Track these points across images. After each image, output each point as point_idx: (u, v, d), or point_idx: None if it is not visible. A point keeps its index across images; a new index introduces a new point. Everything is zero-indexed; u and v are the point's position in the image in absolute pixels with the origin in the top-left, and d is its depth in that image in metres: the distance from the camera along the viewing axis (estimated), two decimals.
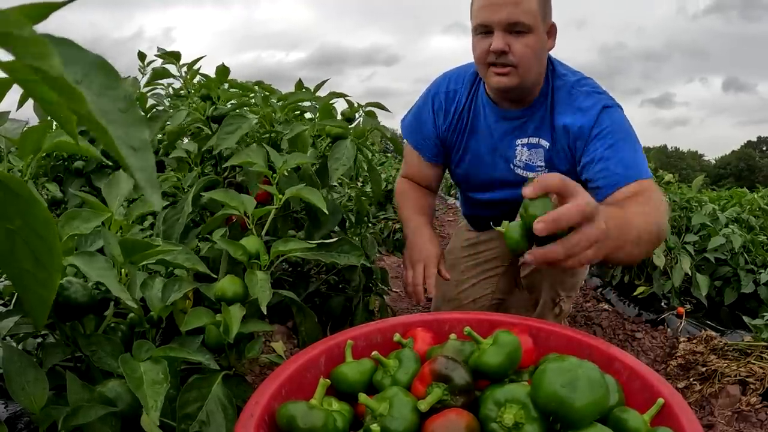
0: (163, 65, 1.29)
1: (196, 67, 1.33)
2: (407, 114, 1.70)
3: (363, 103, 1.36)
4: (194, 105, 1.24)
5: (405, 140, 1.71)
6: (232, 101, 1.28)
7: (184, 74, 1.31)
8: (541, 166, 1.52)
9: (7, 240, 0.38)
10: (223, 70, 1.29)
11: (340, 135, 1.20)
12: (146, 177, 0.31)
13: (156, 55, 1.31)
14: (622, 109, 1.41)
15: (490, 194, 1.66)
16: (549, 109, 1.45)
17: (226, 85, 1.31)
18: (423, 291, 1.39)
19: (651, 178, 1.30)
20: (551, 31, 1.40)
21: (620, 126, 1.35)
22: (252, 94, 1.29)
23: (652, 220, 1.06)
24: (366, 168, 1.32)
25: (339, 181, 1.52)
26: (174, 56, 1.28)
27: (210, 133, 1.23)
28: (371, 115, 1.32)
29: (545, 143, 1.49)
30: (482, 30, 1.35)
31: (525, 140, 1.51)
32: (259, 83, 1.36)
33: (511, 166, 1.55)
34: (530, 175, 1.54)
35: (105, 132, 0.29)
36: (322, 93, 1.32)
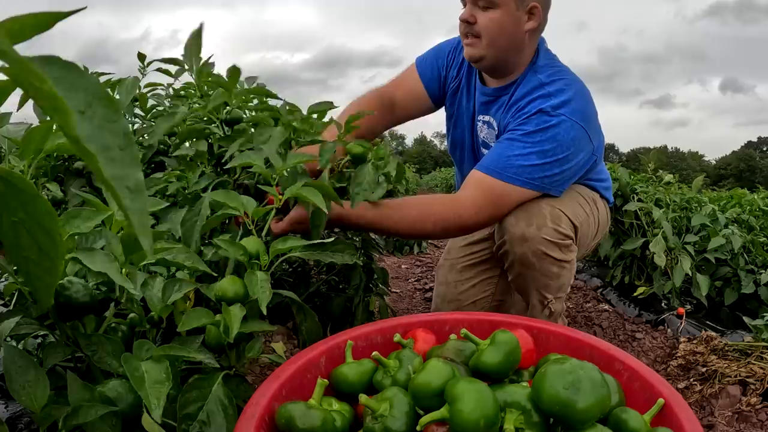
0: (176, 68, 1.28)
1: (206, 68, 1.32)
2: (428, 50, 1.76)
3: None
4: (201, 105, 1.24)
5: (414, 66, 1.72)
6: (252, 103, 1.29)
7: (194, 75, 1.30)
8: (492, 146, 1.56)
9: (13, 231, 0.40)
10: (234, 72, 1.28)
11: (361, 155, 1.22)
12: (140, 221, 0.31)
13: (158, 60, 1.30)
14: (570, 120, 1.39)
15: (469, 168, 1.71)
16: (510, 97, 1.51)
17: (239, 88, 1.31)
18: None
19: (506, 182, 1.38)
20: (533, 12, 1.43)
21: (537, 132, 1.38)
22: (269, 101, 1.30)
23: (405, 216, 1.33)
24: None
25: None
26: (175, 62, 1.28)
27: (222, 135, 1.23)
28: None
29: (495, 126, 1.57)
30: (462, 3, 1.47)
31: (486, 118, 1.59)
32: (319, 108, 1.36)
33: (476, 139, 1.65)
34: (484, 151, 1.61)
35: (95, 162, 0.29)
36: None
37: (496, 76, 1.55)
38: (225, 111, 1.25)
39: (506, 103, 1.51)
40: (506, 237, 1.43)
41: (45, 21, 0.29)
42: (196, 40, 1.16)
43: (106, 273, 0.66)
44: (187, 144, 1.31)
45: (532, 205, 1.42)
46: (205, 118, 1.25)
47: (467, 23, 1.43)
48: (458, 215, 1.36)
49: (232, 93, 1.22)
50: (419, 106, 1.70)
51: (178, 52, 1.33)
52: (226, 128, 1.26)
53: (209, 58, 1.31)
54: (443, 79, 1.68)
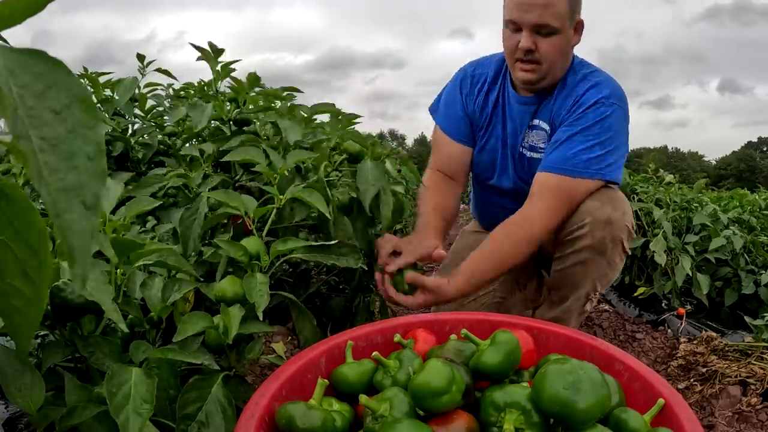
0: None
1: (229, 68, 1.31)
2: (436, 100, 1.76)
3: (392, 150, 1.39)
4: (218, 103, 1.24)
5: (435, 125, 1.73)
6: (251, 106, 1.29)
7: (218, 70, 1.29)
8: (542, 148, 1.58)
9: None
10: (254, 78, 1.28)
11: (358, 153, 1.22)
12: (80, 244, 0.26)
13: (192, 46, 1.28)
14: (620, 107, 1.46)
15: (505, 181, 1.71)
16: (555, 97, 1.53)
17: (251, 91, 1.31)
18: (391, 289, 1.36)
19: (577, 178, 1.42)
20: (578, 27, 1.46)
21: (595, 124, 1.43)
22: (276, 101, 1.29)
23: (502, 254, 1.41)
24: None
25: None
26: (214, 52, 1.26)
27: (229, 134, 1.23)
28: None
29: (546, 127, 1.56)
30: (513, 27, 1.43)
31: (534, 122, 1.59)
32: (290, 88, 1.36)
33: (520, 148, 1.63)
34: (534, 156, 1.60)
35: (40, 177, 0.25)
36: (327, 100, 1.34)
37: (538, 89, 1.56)
38: (236, 111, 1.25)
39: (552, 102, 1.53)
40: (588, 220, 1.44)
41: (36, 3, 0.27)
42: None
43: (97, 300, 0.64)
44: (187, 144, 1.30)
45: (611, 192, 1.46)
46: (222, 117, 1.25)
47: (529, 51, 1.42)
48: (543, 227, 1.41)
49: (245, 95, 1.23)
50: (465, 160, 1.71)
51: (183, 54, 1.33)
52: (234, 128, 1.26)
53: (234, 62, 1.30)
54: (467, 118, 1.68)
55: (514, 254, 1.40)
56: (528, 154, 1.62)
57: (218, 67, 1.28)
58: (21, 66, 0.26)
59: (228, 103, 1.28)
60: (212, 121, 1.30)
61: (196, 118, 1.17)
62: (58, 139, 0.26)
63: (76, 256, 0.26)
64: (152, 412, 0.62)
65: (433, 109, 1.76)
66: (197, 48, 1.25)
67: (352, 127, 1.34)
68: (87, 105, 0.28)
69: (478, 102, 1.65)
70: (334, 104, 1.36)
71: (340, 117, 1.31)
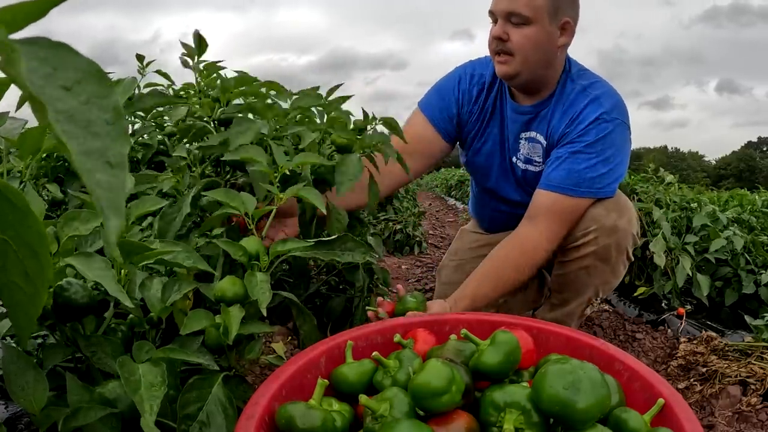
0: (185, 57, 1.27)
1: (215, 66, 1.31)
2: (427, 92, 1.69)
3: (377, 116, 1.36)
4: (199, 103, 1.24)
5: (416, 109, 1.66)
6: (236, 101, 1.28)
7: (201, 69, 1.28)
8: (538, 162, 1.55)
9: (0, 250, 0.37)
10: (243, 78, 1.27)
11: (345, 145, 1.21)
12: (111, 197, 0.27)
13: (183, 45, 1.28)
14: (622, 122, 1.43)
15: (503, 187, 1.69)
16: (553, 108, 1.49)
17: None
18: None
19: (580, 197, 1.40)
20: (565, 27, 1.42)
21: (598, 141, 1.40)
22: (255, 98, 1.28)
23: (504, 279, 1.38)
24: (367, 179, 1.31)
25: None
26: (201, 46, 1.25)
27: (214, 134, 1.23)
28: (385, 130, 1.32)
29: (542, 140, 1.53)
30: (492, 18, 1.43)
31: (530, 134, 1.56)
32: (269, 83, 1.34)
33: (515, 159, 1.60)
34: (529, 168, 1.57)
35: (63, 144, 0.27)
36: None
37: (529, 93, 1.53)
38: (219, 111, 1.24)
39: (549, 114, 1.50)
40: (594, 227, 1.43)
41: (39, 8, 0.27)
42: (197, 40, 1.17)
43: (102, 282, 0.65)
44: (186, 144, 1.30)
45: (617, 198, 1.45)
46: (205, 118, 1.25)
47: (500, 40, 1.40)
48: (546, 251, 1.40)
49: (228, 95, 1.22)
50: (432, 148, 1.63)
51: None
52: (220, 128, 1.25)
53: (219, 62, 1.29)
54: (457, 117, 1.62)
55: (517, 279, 1.40)
56: (522, 166, 1.59)
57: (201, 66, 1.27)
58: (26, 54, 0.27)
59: (214, 102, 1.27)
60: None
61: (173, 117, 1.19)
62: (74, 110, 0.27)
63: (107, 210, 0.27)
64: (166, 390, 0.64)
65: (424, 99, 1.68)
66: (183, 45, 1.24)
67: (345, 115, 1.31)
68: (99, 77, 0.29)
69: (476, 103, 1.61)
70: (320, 95, 1.33)
71: (326, 101, 1.29)
